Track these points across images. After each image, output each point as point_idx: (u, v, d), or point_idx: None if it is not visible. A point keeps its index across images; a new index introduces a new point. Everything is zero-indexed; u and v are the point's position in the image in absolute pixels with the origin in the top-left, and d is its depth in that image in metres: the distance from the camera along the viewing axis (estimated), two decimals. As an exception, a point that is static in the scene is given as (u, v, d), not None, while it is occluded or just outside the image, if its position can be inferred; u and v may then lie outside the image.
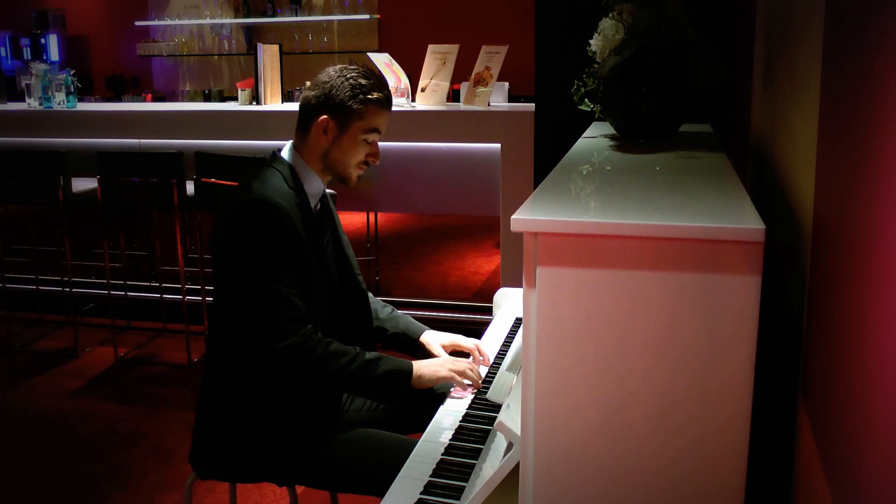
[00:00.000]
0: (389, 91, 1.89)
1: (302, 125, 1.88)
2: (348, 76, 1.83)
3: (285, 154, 1.89)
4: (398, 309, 2.15)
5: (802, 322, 1.24)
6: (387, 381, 1.79)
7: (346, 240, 2.03)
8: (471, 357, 2.05)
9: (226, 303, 1.82)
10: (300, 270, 1.78)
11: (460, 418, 1.73)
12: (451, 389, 1.88)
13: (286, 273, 1.74)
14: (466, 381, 1.87)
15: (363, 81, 1.83)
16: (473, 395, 1.85)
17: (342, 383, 1.80)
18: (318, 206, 1.93)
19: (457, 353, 2.05)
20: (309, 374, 1.76)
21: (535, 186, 1.58)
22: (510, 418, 1.28)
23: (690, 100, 1.87)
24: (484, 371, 1.99)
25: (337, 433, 1.82)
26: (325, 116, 1.83)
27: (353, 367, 1.76)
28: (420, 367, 1.83)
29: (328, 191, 1.99)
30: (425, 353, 2.03)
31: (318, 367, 1.74)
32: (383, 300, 2.18)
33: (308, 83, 1.94)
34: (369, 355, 1.80)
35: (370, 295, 2.10)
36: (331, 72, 1.86)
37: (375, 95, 1.83)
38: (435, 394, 1.94)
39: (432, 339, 2.05)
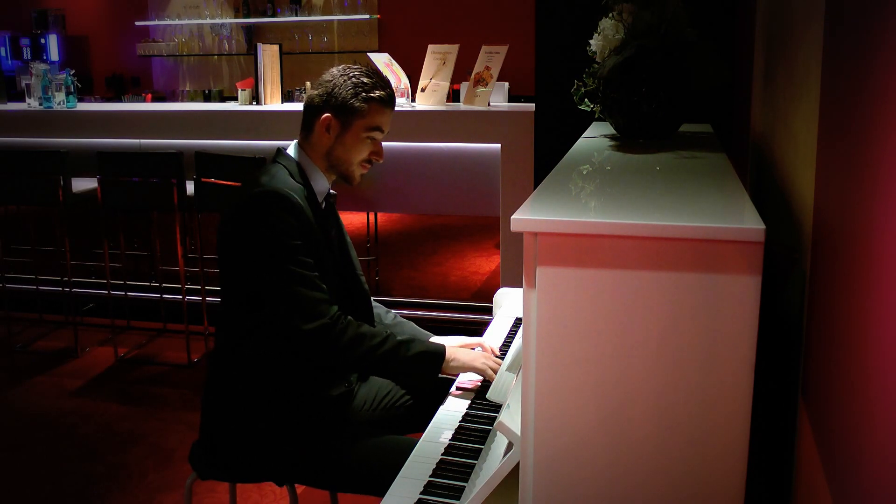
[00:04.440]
0: (392, 91, 1.91)
1: (306, 124, 1.91)
2: (351, 75, 1.86)
3: (291, 152, 1.91)
4: (398, 309, 2.16)
5: (802, 322, 1.24)
6: (420, 362, 1.82)
7: (350, 242, 2.05)
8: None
9: (235, 300, 1.82)
10: (315, 258, 1.79)
11: (460, 418, 1.73)
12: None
13: (305, 258, 1.76)
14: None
15: (365, 80, 1.86)
16: (473, 396, 1.85)
17: (373, 364, 1.81)
18: (324, 206, 1.94)
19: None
20: (338, 356, 1.77)
21: (535, 186, 1.58)
22: (510, 418, 1.28)
23: (690, 100, 1.87)
24: None
25: (337, 433, 1.82)
26: (327, 115, 1.85)
27: (384, 349, 1.78)
28: (455, 351, 1.85)
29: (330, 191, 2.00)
30: None
31: (349, 348, 1.76)
32: (384, 300, 2.18)
33: (309, 83, 1.95)
34: (401, 337, 1.83)
35: (372, 300, 2.10)
36: (334, 71, 1.89)
37: (378, 94, 1.86)
38: (437, 392, 1.94)
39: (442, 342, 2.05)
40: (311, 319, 1.73)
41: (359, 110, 1.85)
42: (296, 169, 1.87)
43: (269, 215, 1.74)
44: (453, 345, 2.05)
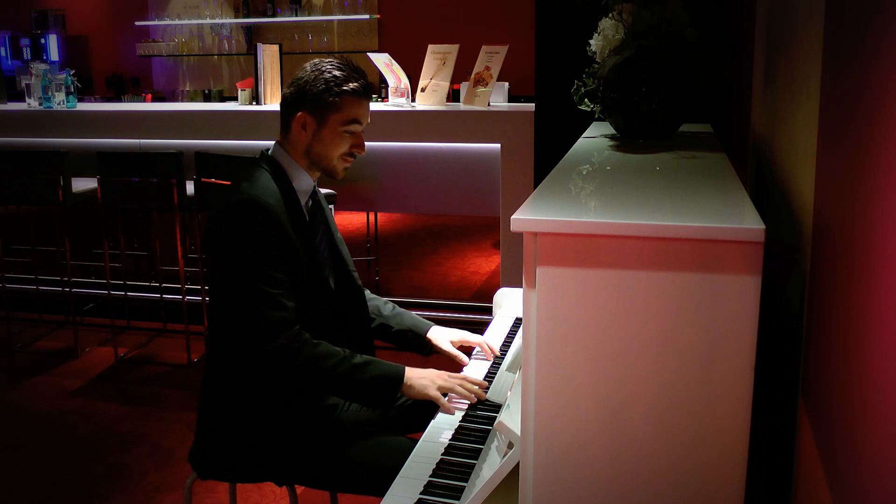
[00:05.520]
0: (366, 81, 1.88)
1: (283, 124, 1.89)
2: (322, 70, 1.83)
3: (272, 153, 1.89)
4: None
5: (802, 322, 1.24)
6: (375, 387, 1.76)
7: (340, 237, 2.03)
8: (474, 350, 2.06)
9: (220, 303, 1.82)
10: (290, 270, 1.77)
11: (460, 418, 1.73)
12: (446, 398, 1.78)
13: (274, 273, 1.73)
14: (458, 400, 1.77)
15: (337, 73, 1.83)
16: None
17: (329, 386, 1.77)
18: (310, 204, 1.93)
19: (464, 348, 2.06)
20: (295, 376, 1.74)
21: (535, 186, 1.58)
22: (510, 418, 1.28)
23: (690, 100, 1.87)
24: (487, 365, 2.00)
25: (337, 433, 1.82)
26: (301, 112, 1.83)
27: (339, 370, 1.73)
28: (411, 377, 1.77)
29: (327, 190, 2.00)
30: (432, 350, 2.04)
31: (304, 368, 1.72)
32: (385, 299, 2.17)
33: None
34: (358, 359, 1.76)
35: (368, 292, 2.10)
36: (306, 67, 1.87)
37: (351, 86, 1.82)
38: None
39: (440, 335, 2.05)
40: (268, 340, 1.70)
41: (332, 105, 1.82)
42: (277, 171, 1.85)
43: (242, 227, 1.73)
44: (454, 339, 2.05)
